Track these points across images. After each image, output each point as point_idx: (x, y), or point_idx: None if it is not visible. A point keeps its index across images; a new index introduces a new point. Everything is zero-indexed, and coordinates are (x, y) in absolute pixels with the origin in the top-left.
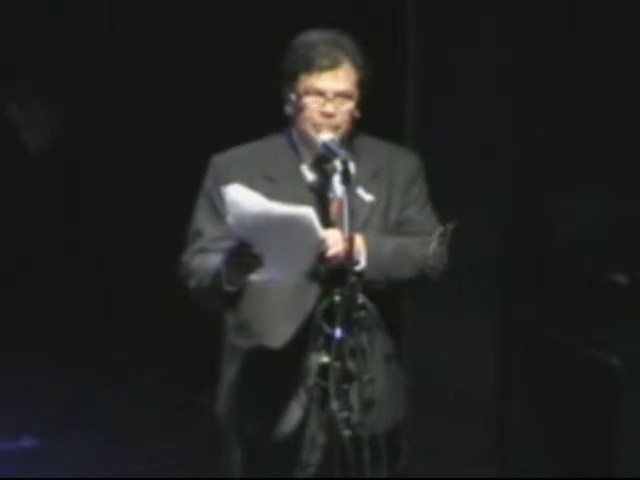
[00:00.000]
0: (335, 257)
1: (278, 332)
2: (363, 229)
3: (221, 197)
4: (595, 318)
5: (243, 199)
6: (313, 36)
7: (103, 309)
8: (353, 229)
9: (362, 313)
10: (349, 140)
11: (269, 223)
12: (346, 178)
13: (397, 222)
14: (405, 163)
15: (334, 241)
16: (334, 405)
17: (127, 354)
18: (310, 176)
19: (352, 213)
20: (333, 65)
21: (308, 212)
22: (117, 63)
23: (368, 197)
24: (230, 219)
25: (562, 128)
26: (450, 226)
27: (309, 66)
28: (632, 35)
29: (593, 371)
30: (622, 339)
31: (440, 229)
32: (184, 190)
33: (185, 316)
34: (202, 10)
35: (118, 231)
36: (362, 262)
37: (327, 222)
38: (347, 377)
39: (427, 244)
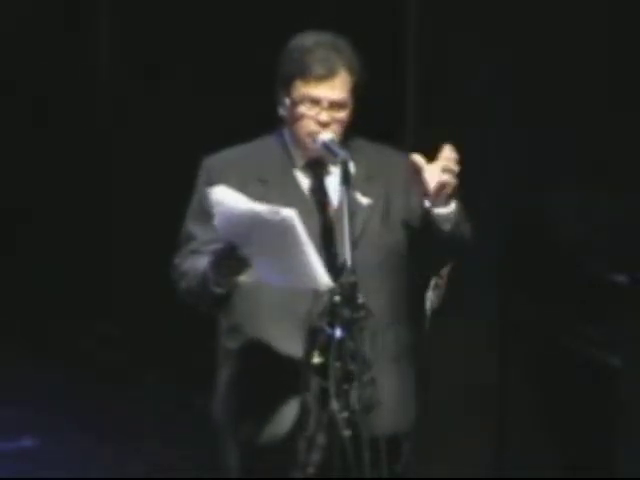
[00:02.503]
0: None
1: (270, 334)
2: (362, 232)
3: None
4: (595, 318)
5: (228, 200)
6: (309, 39)
7: (103, 309)
8: (352, 232)
9: (362, 313)
10: (347, 143)
11: (253, 224)
12: (346, 178)
13: (403, 222)
14: (402, 168)
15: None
16: (334, 405)
17: (127, 354)
18: (303, 178)
19: (351, 215)
20: (330, 74)
21: (290, 214)
22: (117, 63)
23: (365, 200)
24: (216, 220)
25: (562, 127)
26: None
27: (305, 73)
28: (630, 36)
29: (593, 371)
30: (622, 339)
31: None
32: (184, 190)
33: (185, 316)
34: (201, 10)
35: (118, 230)
36: (452, 205)
37: (324, 224)
38: (347, 377)
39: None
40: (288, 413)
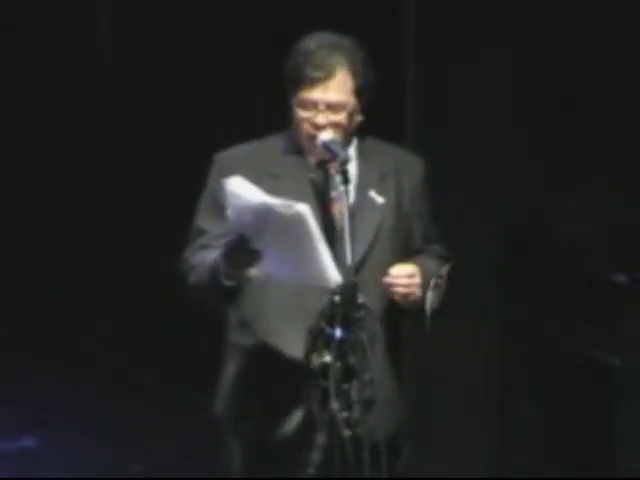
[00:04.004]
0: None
1: (280, 332)
2: (378, 232)
3: (224, 194)
4: (595, 318)
5: (243, 191)
6: (312, 41)
7: (103, 309)
8: (368, 232)
9: (362, 313)
10: (359, 143)
11: (267, 217)
12: (345, 178)
13: (406, 229)
14: (412, 169)
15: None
16: (334, 405)
17: (127, 354)
18: (315, 177)
19: (352, 213)
20: (326, 76)
21: (303, 208)
22: (117, 63)
23: (380, 199)
24: (229, 211)
25: (562, 127)
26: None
27: (300, 77)
28: (631, 38)
29: (593, 371)
30: (622, 339)
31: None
32: (184, 190)
33: (185, 316)
34: (203, 10)
35: (118, 230)
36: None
37: (329, 221)
38: (347, 377)
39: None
40: (295, 413)
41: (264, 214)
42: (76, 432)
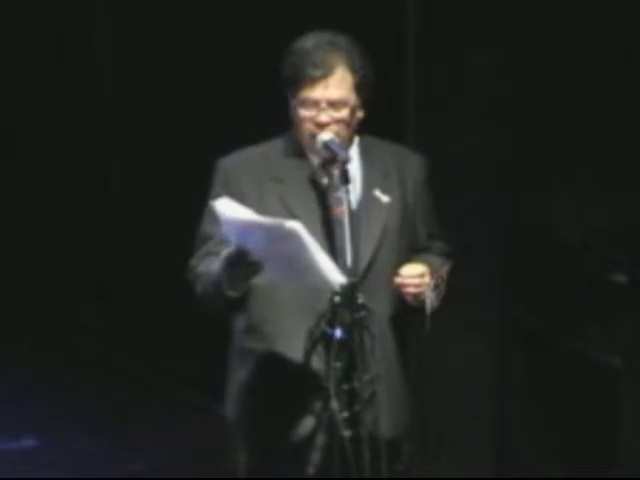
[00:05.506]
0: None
1: (290, 334)
2: (385, 231)
3: (231, 197)
4: (595, 318)
5: (232, 212)
6: (308, 41)
7: (104, 310)
8: (375, 231)
9: (362, 313)
10: (360, 142)
11: (260, 234)
12: (345, 179)
13: (411, 227)
14: (414, 168)
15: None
16: (334, 405)
17: (127, 354)
18: (319, 178)
19: (352, 214)
20: (325, 74)
21: (295, 226)
22: (116, 63)
23: (385, 198)
24: (223, 229)
25: (562, 127)
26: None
27: (300, 77)
28: (630, 36)
29: (593, 371)
30: (622, 339)
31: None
32: (186, 189)
33: (186, 317)
34: (203, 10)
35: (119, 230)
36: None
37: (334, 222)
38: (347, 377)
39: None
40: (308, 415)
41: (257, 232)
42: (76, 432)
